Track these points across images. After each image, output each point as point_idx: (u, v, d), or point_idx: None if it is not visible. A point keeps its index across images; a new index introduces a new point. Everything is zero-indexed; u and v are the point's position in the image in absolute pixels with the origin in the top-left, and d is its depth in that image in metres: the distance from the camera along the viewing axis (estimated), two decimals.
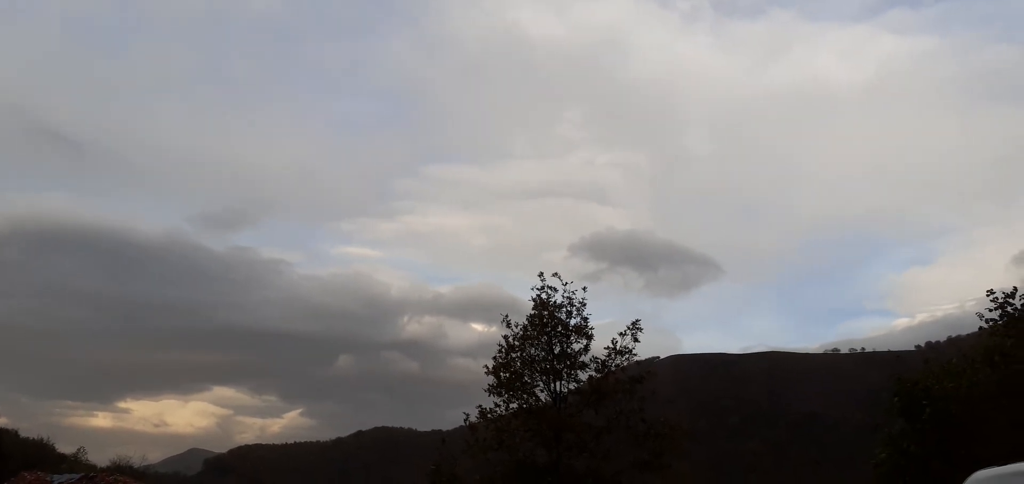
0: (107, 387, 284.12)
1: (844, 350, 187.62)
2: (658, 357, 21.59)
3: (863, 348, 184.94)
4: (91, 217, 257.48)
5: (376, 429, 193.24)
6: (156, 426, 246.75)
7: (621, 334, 18.78)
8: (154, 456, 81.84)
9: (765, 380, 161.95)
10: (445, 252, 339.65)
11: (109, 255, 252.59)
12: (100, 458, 55.08)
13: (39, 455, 52.00)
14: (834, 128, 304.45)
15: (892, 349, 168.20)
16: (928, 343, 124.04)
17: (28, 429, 62.66)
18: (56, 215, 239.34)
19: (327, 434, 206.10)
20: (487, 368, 19.36)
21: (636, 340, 18.74)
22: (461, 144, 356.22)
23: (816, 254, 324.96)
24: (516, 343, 19.35)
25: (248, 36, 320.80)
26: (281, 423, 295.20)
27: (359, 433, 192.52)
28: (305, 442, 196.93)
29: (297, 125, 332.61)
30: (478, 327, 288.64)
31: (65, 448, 58.55)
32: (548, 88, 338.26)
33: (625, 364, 18.72)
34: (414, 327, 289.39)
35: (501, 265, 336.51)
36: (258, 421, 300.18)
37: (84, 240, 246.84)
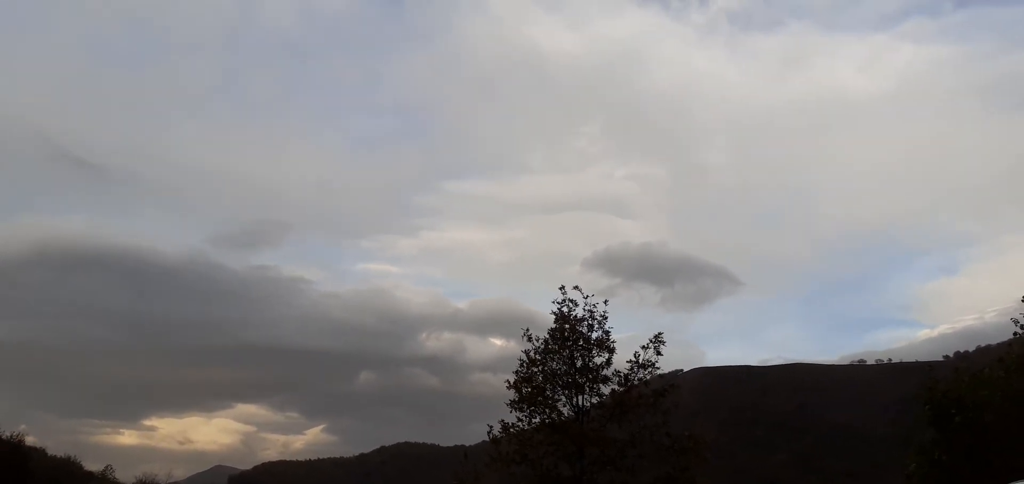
0: (132, 405, 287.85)
1: (870, 361, 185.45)
2: (681, 370, 21.57)
3: (890, 359, 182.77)
4: (114, 239, 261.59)
5: (399, 444, 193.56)
6: (181, 443, 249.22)
7: (644, 347, 18.61)
8: (180, 473, 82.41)
9: (790, 392, 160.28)
10: (464, 267, 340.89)
11: (132, 275, 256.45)
12: (127, 476, 55.65)
13: (67, 473, 52.58)
14: (854, 138, 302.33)
15: (919, 360, 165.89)
16: (957, 353, 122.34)
17: (55, 447, 63.25)
18: (79, 237, 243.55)
19: (350, 450, 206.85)
20: (509, 383, 19.25)
21: (659, 353, 18.56)
22: (479, 160, 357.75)
23: (838, 265, 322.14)
24: (537, 357, 19.23)
25: (266, 55, 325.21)
26: (304, 439, 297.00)
27: (382, 448, 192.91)
28: (329, 458, 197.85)
29: (315, 143, 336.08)
30: (497, 342, 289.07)
31: (92, 466, 59.17)
32: (565, 102, 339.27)
33: (648, 377, 18.54)
34: (434, 343, 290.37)
35: (519, 279, 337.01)
36: (281, 437, 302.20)
37: (107, 261, 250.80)
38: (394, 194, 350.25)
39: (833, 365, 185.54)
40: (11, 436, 43.12)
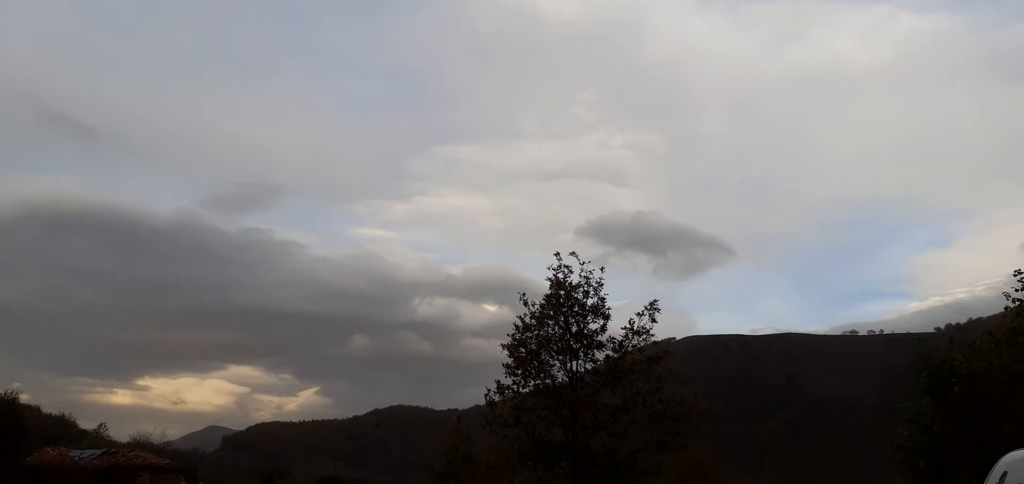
0: (125, 365, 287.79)
1: (861, 332, 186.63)
2: (673, 338, 21.58)
3: (881, 330, 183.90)
4: (103, 199, 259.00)
5: (392, 407, 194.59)
6: (174, 403, 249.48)
7: (639, 314, 18.69)
8: (174, 433, 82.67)
9: (781, 361, 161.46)
10: (456, 233, 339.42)
11: (122, 237, 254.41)
12: (121, 434, 55.75)
13: (61, 431, 52.67)
14: (851, 109, 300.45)
15: (910, 331, 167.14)
16: (948, 325, 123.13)
17: (49, 405, 63.32)
18: (69, 198, 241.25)
19: (343, 412, 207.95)
20: (503, 346, 19.34)
21: (654, 321, 18.67)
22: (473, 125, 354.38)
23: (832, 236, 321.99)
24: (533, 322, 19.28)
25: (258, 16, 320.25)
26: (297, 401, 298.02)
27: (375, 411, 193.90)
28: (323, 420, 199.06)
29: (308, 106, 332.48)
30: (490, 308, 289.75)
31: (86, 424, 59.33)
32: (561, 68, 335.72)
33: (642, 345, 18.61)
34: (426, 308, 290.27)
35: (512, 246, 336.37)
36: (275, 399, 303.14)
37: (97, 222, 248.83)
38: (387, 158, 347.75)
39: (824, 335, 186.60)
40: (5, 394, 43.11)
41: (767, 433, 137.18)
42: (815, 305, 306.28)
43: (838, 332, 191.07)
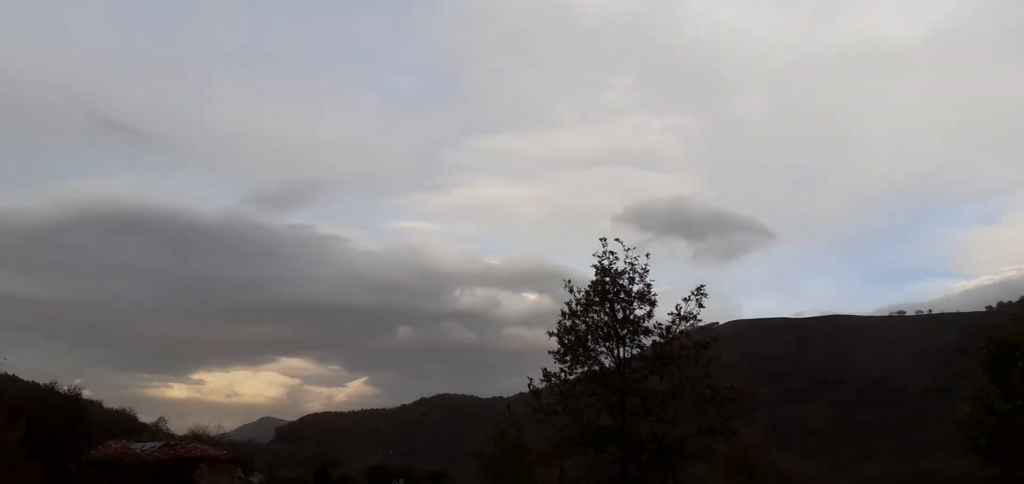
0: (180, 360, 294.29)
1: (909, 312, 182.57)
2: (717, 322, 21.57)
3: (929, 310, 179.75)
4: (155, 201, 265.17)
5: (438, 396, 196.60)
6: (228, 396, 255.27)
7: (685, 299, 18.79)
8: (229, 424, 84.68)
9: (828, 343, 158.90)
10: (495, 223, 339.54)
11: (172, 236, 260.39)
12: (179, 427, 57.56)
13: (122, 424, 54.48)
14: (895, 84, 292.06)
15: (959, 311, 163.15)
16: (999, 303, 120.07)
17: (110, 400, 65.61)
18: (122, 200, 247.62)
19: (391, 401, 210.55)
20: (551, 333, 19.61)
21: (701, 306, 18.74)
22: (509, 115, 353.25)
23: (876, 215, 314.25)
24: (579, 309, 19.51)
25: (296, 15, 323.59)
26: (346, 392, 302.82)
27: (422, 400, 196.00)
28: (371, 409, 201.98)
29: (347, 103, 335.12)
30: (530, 296, 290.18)
31: (146, 418, 61.29)
32: (596, 54, 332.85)
33: (689, 330, 18.74)
34: (468, 298, 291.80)
35: (551, 235, 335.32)
36: (325, 390, 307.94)
37: (148, 223, 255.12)
38: (425, 151, 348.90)
39: (871, 316, 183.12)
40: (69, 389, 44.63)
41: (815, 416, 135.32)
42: (861, 286, 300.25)
43: (885, 312, 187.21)
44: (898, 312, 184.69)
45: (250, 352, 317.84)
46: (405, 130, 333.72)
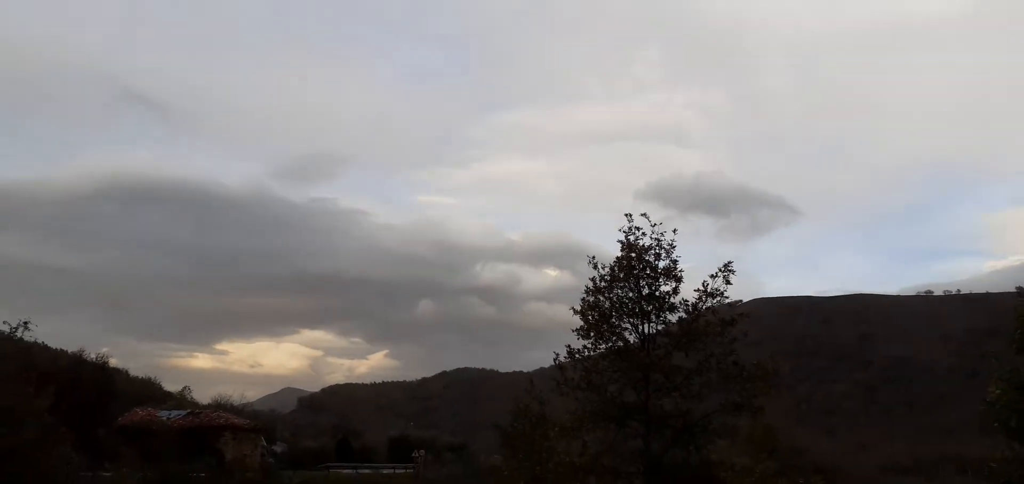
0: (204, 331, 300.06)
1: (936, 292, 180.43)
2: (741, 300, 21.09)
3: (958, 290, 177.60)
4: (178, 173, 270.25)
5: (458, 369, 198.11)
6: (252, 367, 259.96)
7: (712, 276, 18.52)
8: (252, 394, 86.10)
9: (853, 322, 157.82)
10: (516, 198, 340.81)
11: (196, 208, 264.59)
12: (203, 396, 58.37)
13: (148, 393, 55.36)
14: (925, 59, 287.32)
15: (988, 291, 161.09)
16: None
17: (136, 369, 66.69)
18: (145, 172, 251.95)
19: (412, 374, 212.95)
20: (574, 310, 19.44)
21: (728, 282, 18.43)
22: (531, 89, 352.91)
23: (904, 193, 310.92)
24: (604, 285, 19.31)
25: None
26: (367, 364, 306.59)
27: (443, 373, 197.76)
28: (392, 381, 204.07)
29: (368, 77, 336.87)
30: (551, 273, 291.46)
31: (170, 387, 62.24)
32: (621, 27, 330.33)
33: (716, 306, 18.49)
34: (489, 273, 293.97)
35: (572, 211, 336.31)
36: (346, 362, 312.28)
37: (172, 194, 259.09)
38: (447, 125, 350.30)
39: (897, 296, 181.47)
40: (96, 357, 45.38)
41: (839, 395, 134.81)
42: (887, 265, 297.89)
43: (912, 292, 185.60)
44: (925, 292, 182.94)
45: (273, 323, 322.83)
46: (427, 104, 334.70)
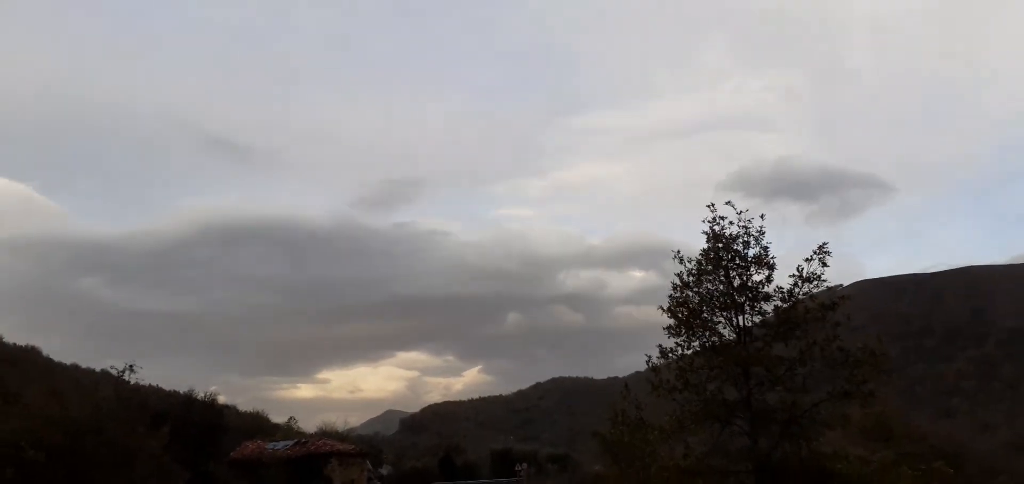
0: (304, 361, 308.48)
1: None
2: (841, 284, 20.17)
3: None
4: (265, 212, 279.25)
5: (553, 380, 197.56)
6: (352, 393, 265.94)
7: (807, 260, 17.74)
8: (355, 420, 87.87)
9: (964, 297, 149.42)
10: (595, 203, 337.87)
11: (284, 244, 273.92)
12: (308, 425, 59.96)
13: (256, 426, 57.34)
14: (1015, 12, 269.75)
15: None
16: None
17: (244, 404, 69.13)
18: (235, 214, 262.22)
19: (507, 388, 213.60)
20: (662, 308, 18.98)
21: (825, 265, 17.62)
22: (602, 91, 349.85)
23: (1008, 156, 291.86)
24: (691, 279, 18.78)
25: (382, 18, 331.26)
26: (463, 381, 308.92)
27: (537, 385, 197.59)
28: (489, 396, 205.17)
29: (439, 99, 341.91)
30: (636, 274, 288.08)
31: (277, 418, 64.29)
32: (686, 15, 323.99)
33: (814, 292, 17.69)
34: (573, 281, 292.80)
35: (652, 210, 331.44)
36: (442, 380, 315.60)
37: (261, 233, 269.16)
38: (520, 138, 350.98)
39: (1010, 265, 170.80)
40: (205, 396, 47.25)
41: (955, 374, 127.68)
42: (996, 233, 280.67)
43: None
44: None
45: (369, 349, 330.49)
46: (498, 118, 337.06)
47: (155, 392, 45.66)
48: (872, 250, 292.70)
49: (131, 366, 26.64)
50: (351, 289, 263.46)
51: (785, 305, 17.78)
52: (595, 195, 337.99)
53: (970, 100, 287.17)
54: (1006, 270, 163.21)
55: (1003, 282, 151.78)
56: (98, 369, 43.88)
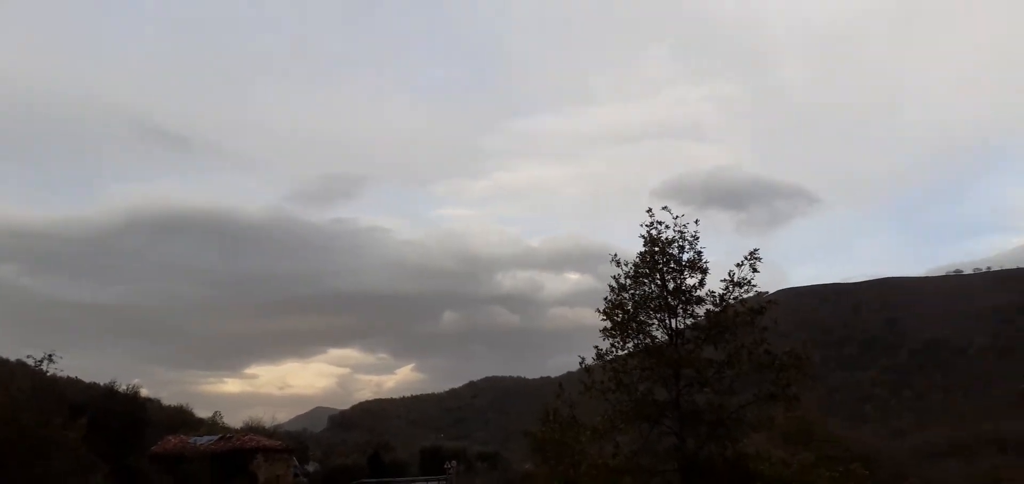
0: (232, 356, 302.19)
1: (966, 271, 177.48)
2: (767, 292, 20.82)
3: (988, 268, 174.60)
4: (200, 202, 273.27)
5: (486, 379, 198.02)
6: (281, 389, 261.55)
7: (738, 265, 18.26)
8: (283, 416, 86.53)
9: (881, 308, 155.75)
10: (534, 205, 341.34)
11: (219, 235, 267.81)
12: (234, 420, 58.85)
13: (180, 420, 55.80)
14: (942, 36, 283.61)
15: (1020, 266, 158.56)
16: None
17: (168, 398, 67.29)
18: (167, 203, 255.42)
19: (440, 386, 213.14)
20: (599, 310, 19.26)
21: (755, 270, 18.18)
22: (544, 95, 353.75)
23: (927, 173, 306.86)
24: (628, 282, 19.11)
25: (328, 14, 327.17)
26: (395, 378, 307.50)
27: (471, 383, 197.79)
28: (421, 395, 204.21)
29: (382, 96, 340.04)
30: (572, 276, 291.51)
31: (202, 413, 62.73)
32: (630, 25, 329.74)
33: (744, 297, 18.21)
34: (511, 281, 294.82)
35: (590, 214, 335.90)
36: (374, 377, 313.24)
37: (195, 223, 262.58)
38: (462, 138, 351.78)
39: (926, 277, 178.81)
40: (127, 388, 45.80)
41: (870, 382, 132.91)
42: (913, 246, 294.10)
43: (941, 273, 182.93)
44: (954, 272, 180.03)
45: (300, 344, 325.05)
46: (440, 119, 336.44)
47: (74, 384, 44.01)
48: (798, 259, 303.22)
49: (49, 356, 25.65)
50: (285, 284, 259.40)
51: (716, 309, 18.26)
52: (535, 198, 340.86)
53: (890, 118, 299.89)
54: (921, 282, 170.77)
55: (918, 294, 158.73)
56: (13, 359, 42.01)
